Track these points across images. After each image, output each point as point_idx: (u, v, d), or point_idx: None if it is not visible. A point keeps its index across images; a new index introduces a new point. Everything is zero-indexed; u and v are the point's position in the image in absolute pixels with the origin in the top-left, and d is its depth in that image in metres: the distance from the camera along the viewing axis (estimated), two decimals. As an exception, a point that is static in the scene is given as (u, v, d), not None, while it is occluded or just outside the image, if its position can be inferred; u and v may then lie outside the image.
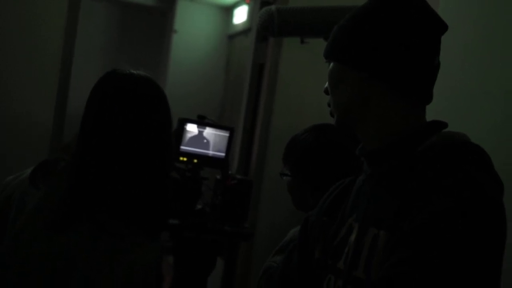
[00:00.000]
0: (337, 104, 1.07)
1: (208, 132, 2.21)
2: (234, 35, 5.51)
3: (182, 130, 2.17)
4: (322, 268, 1.11)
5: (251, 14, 4.92)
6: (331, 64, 1.08)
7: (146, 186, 1.22)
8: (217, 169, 2.32)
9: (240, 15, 5.30)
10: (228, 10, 5.62)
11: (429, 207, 0.88)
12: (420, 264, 0.85)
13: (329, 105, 1.10)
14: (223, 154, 2.24)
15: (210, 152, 2.23)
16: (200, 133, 2.20)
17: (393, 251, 0.90)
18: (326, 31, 2.79)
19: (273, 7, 2.65)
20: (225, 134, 2.24)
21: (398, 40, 0.99)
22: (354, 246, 1.01)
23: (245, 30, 5.06)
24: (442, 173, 0.91)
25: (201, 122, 2.23)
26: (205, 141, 2.21)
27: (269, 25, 2.64)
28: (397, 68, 1.00)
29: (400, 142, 1.01)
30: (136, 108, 1.23)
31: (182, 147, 2.17)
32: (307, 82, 3.25)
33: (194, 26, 5.58)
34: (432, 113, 1.08)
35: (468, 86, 1.81)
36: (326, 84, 1.09)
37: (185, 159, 2.18)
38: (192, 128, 2.19)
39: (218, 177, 2.34)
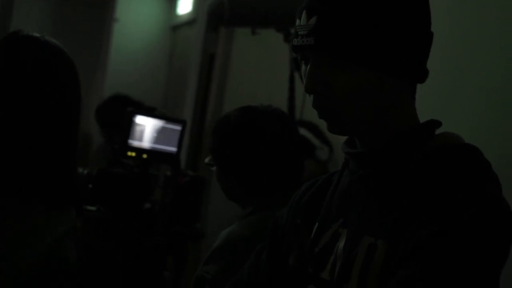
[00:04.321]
0: (355, 110, 0.90)
1: (159, 125, 2.04)
2: (178, 26, 5.35)
3: (130, 123, 1.98)
4: (300, 277, 0.99)
5: (196, 5, 4.77)
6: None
7: (41, 158, 1.11)
8: (167, 165, 2.16)
9: (185, 5, 5.15)
10: (172, 1, 5.46)
11: (439, 218, 0.78)
12: (431, 284, 0.74)
13: (318, 108, 0.92)
14: (174, 149, 2.08)
15: (161, 147, 2.06)
16: (150, 126, 2.03)
17: (397, 265, 0.79)
18: (277, 21, 2.70)
19: (223, -5, 2.53)
20: (177, 127, 2.07)
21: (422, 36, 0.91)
22: (344, 255, 0.90)
23: (190, 21, 4.90)
24: (450, 181, 0.82)
25: (152, 114, 2.05)
26: (155, 135, 2.04)
27: (219, 14, 2.52)
28: (418, 63, 0.92)
29: (400, 143, 0.90)
30: (38, 76, 1.13)
31: (130, 141, 2.00)
32: (259, 74, 3.13)
33: (136, 16, 5.40)
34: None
35: (447, 85, 1.78)
36: (310, 81, 0.90)
37: (133, 154, 2.00)
38: (141, 121, 2.01)
39: (168, 173, 2.18)
